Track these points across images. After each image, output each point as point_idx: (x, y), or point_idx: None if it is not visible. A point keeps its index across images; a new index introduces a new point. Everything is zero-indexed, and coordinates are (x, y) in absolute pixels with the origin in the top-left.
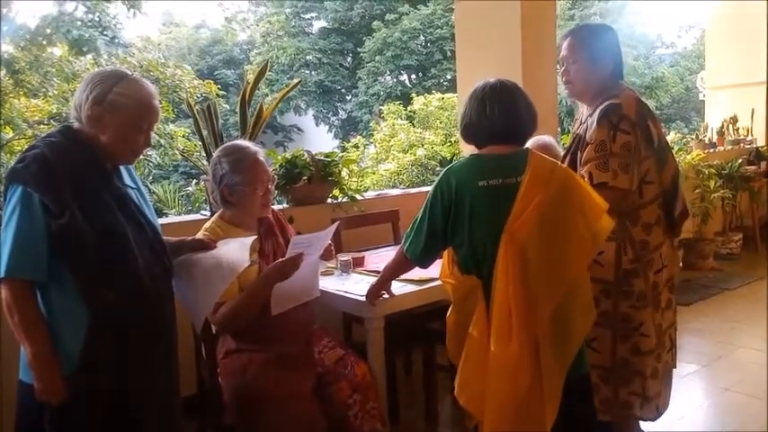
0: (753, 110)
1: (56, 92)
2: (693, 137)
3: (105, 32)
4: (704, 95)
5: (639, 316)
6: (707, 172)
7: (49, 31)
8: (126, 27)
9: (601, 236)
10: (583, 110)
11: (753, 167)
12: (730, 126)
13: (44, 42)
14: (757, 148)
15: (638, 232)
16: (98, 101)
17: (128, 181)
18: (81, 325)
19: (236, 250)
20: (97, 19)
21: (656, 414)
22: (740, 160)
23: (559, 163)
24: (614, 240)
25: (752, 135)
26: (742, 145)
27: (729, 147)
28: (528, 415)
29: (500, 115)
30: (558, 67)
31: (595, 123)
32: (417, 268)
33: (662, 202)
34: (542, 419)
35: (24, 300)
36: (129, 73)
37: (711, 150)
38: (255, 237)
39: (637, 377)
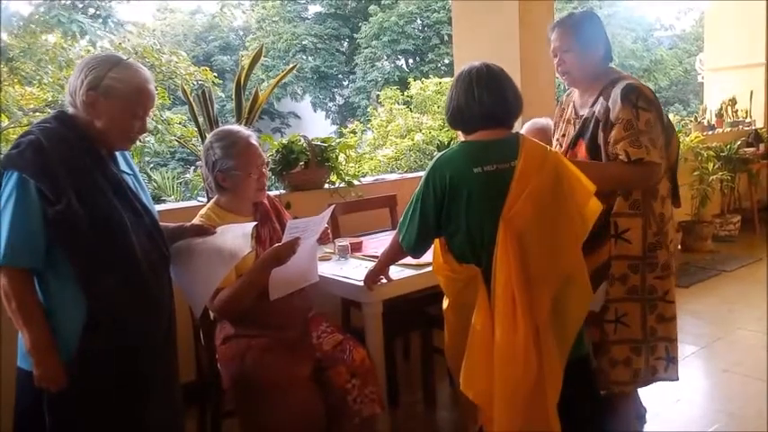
0: (752, 92)
1: (50, 79)
2: (692, 119)
3: (98, 13)
4: (703, 77)
5: (665, 285)
6: (705, 154)
7: (42, 16)
8: (119, 9)
9: (590, 219)
10: (573, 96)
11: (751, 149)
12: (729, 108)
13: (37, 30)
14: (756, 130)
15: (658, 206)
16: (93, 86)
17: (124, 167)
18: (79, 312)
19: (237, 237)
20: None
21: (677, 374)
22: (739, 142)
23: (549, 147)
24: (640, 216)
25: (751, 117)
26: (741, 127)
27: (728, 129)
28: (534, 401)
29: (489, 99)
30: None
31: (619, 103)
32: None
33: (670, 175)
34: (546, 404)
35: (22, 287)
36: (125, 58)
37: (710, 132)
38: (256, 223)
39: (662, 343)
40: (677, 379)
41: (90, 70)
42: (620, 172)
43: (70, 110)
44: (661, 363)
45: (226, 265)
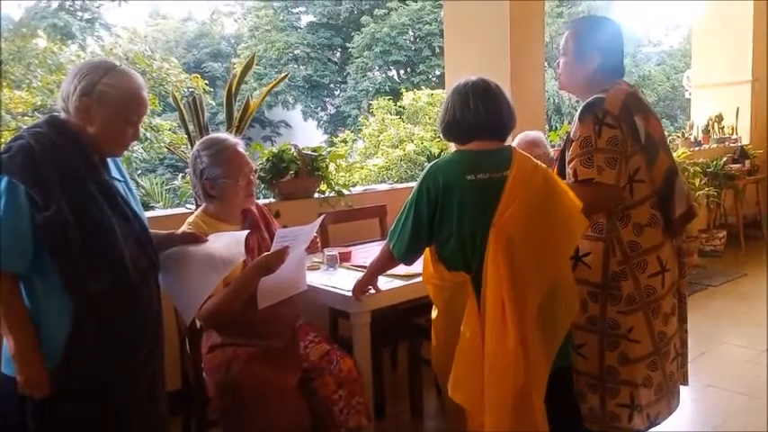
0: (738, 108)
1: (40, 83)
2: (679, 135)
3: (86, 18)
4: (690, 94)
5: (628, 321)
6: (692, 170)
7: (32, 21)
8: (110, 9)
9: (576, 234)
10: None
11: (737, 166)
12: (715, 124)
13: (27, 33)
14: (742, 146)
15: (628, 233)
16: (86, 92)
17: (115, 173)
18: (65, 318)
19: (230, 245)
20: (78, 5)
21: (647, 424)
22: (725, 158)
23: (539, 163)
24: (602, 241)
25: (737, 134)
26: (727, 143)
27: (714, 145)
28: (522, 406)
29: (483, 111)
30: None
31: (577, 120)
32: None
33: (656, 201)
34: (533, 408)
35: (8, 292)
36: (118, 64)
37: (697, 148)
38: (248, 231)
39: (624, 387)
40: (645, 430)
41: (83, 76)
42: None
43: (62, 115)
44: (624, 411)
45: (219, 273)
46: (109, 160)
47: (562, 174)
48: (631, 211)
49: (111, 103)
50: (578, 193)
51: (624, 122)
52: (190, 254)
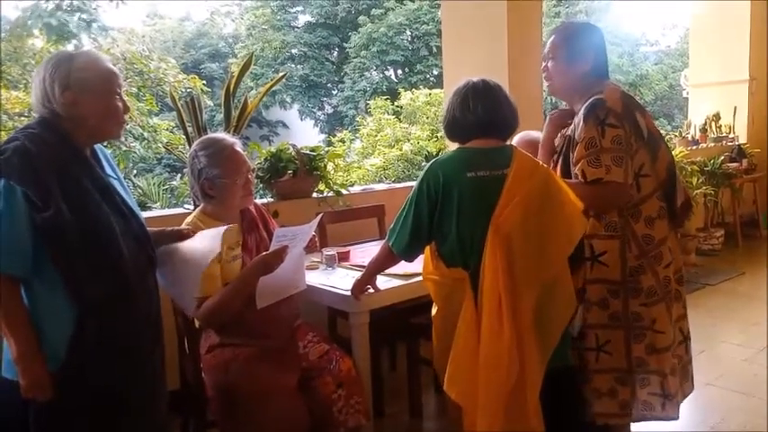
0: (735, 108)
1: None
2: (677, 134)
3: (83, 17)
4: (687, 93)
5: (652, 313)
6: (689, 169)
7: (29, 21)
8: (107, 11)
9: (575, 235)
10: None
11: (735, 165)
12: (713, 123)
13: (24, 33)
14: (739, 145)
15: (641, 227)
16: (65, 86)
17: (108, 171)
18: (66, 319)
19: (208, 238)
20: (75, 5)
21: (677, 413)
22: (722, 157)
23: (540, 162)
24: (617, 238)
25: (734, 133)
26: (724, 142)
27: (712, 144)
28: (515, 403)
29: (484, 110)
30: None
31: (582, 121)
32: (402, 263)
33: (662, 194)
34: (526, 405)
35: (9, 295)
36: (71, 50)
37: (694, 147)
38: (232, 225)
39: (654, 376)
40: (677, 418)
41: (52, 74)
42: (581, 193)
43: (47, 115)
44: (657, 399)
45: (200, 266)
46: (102, 158)
47: (565, 175)
48: (641, 206)
49: (93, 85)
50: (588, 193)
51: (626, 120)
52: (174, 250)
